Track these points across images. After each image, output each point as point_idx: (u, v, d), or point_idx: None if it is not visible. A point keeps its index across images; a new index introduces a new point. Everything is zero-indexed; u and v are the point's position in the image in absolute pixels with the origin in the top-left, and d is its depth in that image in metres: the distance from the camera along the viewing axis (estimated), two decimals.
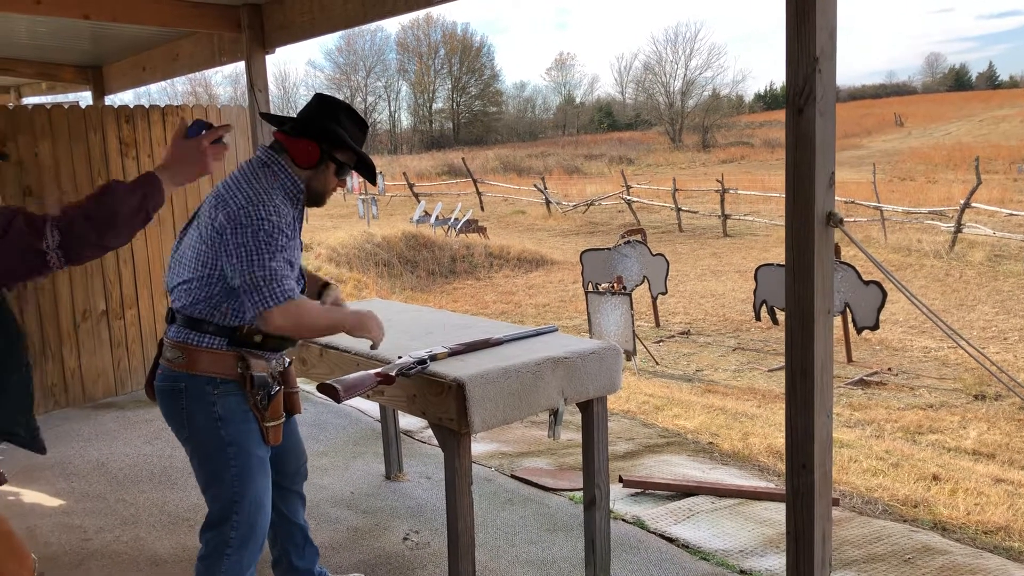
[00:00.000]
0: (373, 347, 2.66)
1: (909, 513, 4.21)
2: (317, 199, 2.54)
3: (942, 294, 14.05)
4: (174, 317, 2.44)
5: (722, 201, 22.72)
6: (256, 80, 5.23)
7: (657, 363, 10.40)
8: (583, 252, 11.78)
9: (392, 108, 69.20)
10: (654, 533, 3.67)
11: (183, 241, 2.46)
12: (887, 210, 19.64)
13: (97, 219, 1.99)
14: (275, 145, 2.47)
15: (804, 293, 2.38)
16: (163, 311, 6.24)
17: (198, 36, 5.80)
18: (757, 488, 4.20)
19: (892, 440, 6.82)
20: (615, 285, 10.40)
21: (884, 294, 8.59)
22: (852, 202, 20.42)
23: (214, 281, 2.34)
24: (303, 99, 64.85)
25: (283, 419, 2.50)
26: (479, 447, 4.83)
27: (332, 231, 20.29)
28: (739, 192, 24.21)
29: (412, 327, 3.49)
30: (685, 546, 3.54)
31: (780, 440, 5.30)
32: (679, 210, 23.77)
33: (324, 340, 3.31)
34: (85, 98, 8.50)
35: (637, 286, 11.21)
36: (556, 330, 3.30)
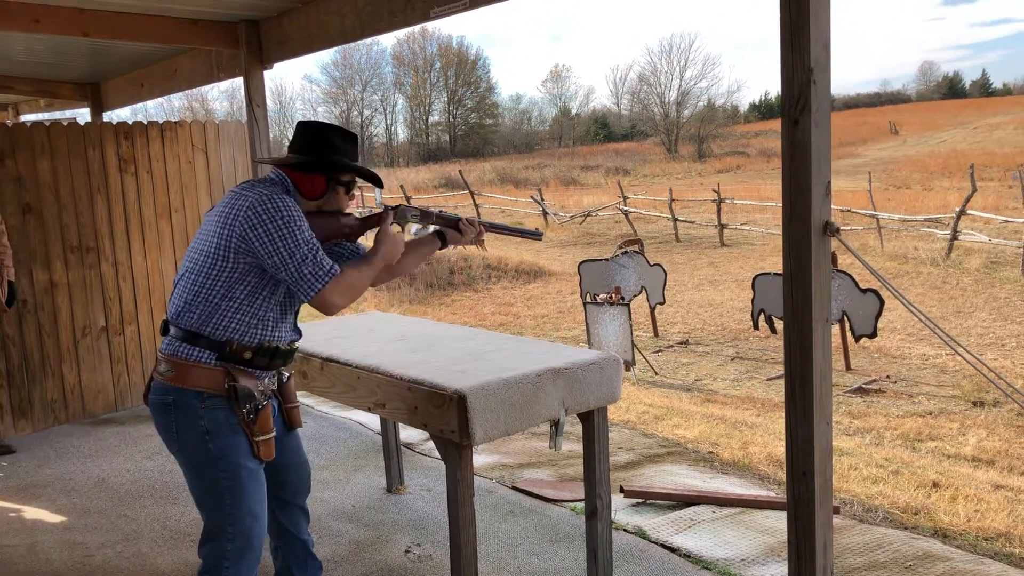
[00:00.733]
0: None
1: (910, 520, 4.22)
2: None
3: (939, 301, 14.08)
4: (167, 329, 2.45)
5: (718, 211, 22.78)
6: (254, 95, 5.25)
7: (656, 373, 10.41)
8: (581, 263, 11.80)
9: (388, 121, 69.41)
10: (656, 543, 3.68)
11: (187, 257, 2.48)
12: (883, 218, 19.69)
13: None
14: (281, 173, 2.52)
15: (802, 302, 2.40)
16: None
17: (196, 52, 5.83)
18: (758, 497, 4.20)
19: (892, 447, 6.83)
20: (613, 296, 10.42)
21: (881, 302, 8.61)
22: (848, 210, 20.48)
23: (215, 276, 2.35)
24: (299, 113, 65.09)
25: (273, 434, 2.49)
26: (480, 459, 4.84)
27: None
28: (735, 201, 24.28)
29: (414, 340, 3.51)
30: (687, 555, 3.55)
31: (780, 449, 5.31)
32: (676, 220, 23.82)
33: (326, 353, 3.33)
34: (83, 115, 8.53)
35: (635, 296, 11.23)
36: (541, 236, 3.31)
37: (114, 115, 7.59)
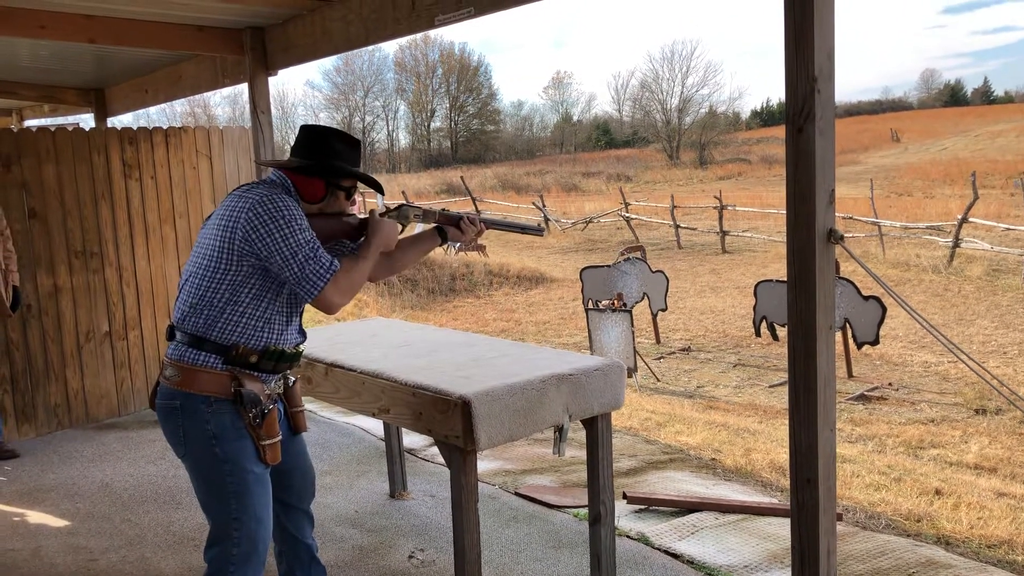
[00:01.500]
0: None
1: (912, 527, 4.22)
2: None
3: (941, 309, 14.08)
4: (173, 334, 2.47)
5: (720, 218, 22.80)
6: (259, 101, 5.27)
7: (658, 380, 10.42)
8: (583, 269, 11.81)
9: (390, 127, 69.48)
10: (659, 549, 3.68)
11: (190, 261, 2.49)
12: (885, 225, 19.70)
13: None
14: (283, 175, 2.54)
15: (806, 309, 2.41)
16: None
17: (200, 58, 5.85)
18: (760, 504, 4.21)
19: (894, 455, 6.83)
20: (615, 302, 10.43)
21: (884, 309, 8.61)
22: (850, 218, 20.49)
23: (219, 279, 2.36)
24: (301, 119, 65.19)
25: (279, 437, 2.50)
26: (483, 465, 4.85)
27: None
28: (737, 208, 24.29)
29: (418, 345, 3.52)
30: (690, 562, 3.55)
31: (782, 455, 5.32)
32: (677, 227, 23.83)
33: (330, 359, 3.34)
34: (86, 120, 8.56)
35: (637, 303, 11.23)
36: (543, 232, 3.33)
37: (116, 120, 7.59)
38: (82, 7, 4.45)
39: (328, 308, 2.37)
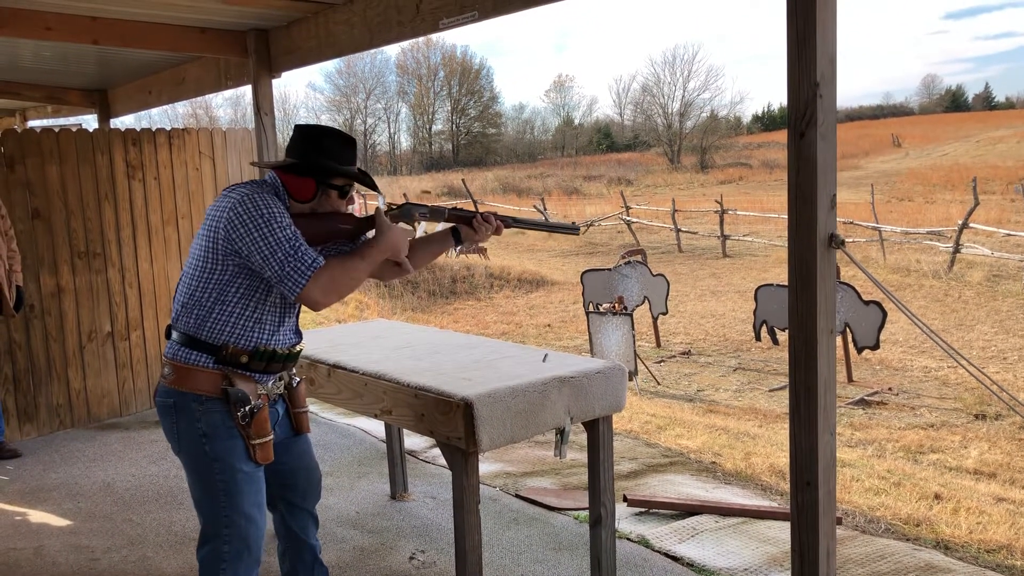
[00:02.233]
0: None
1: (912, 532, 4.23)
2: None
3: (941, 314, 14.09)
4: (170, 332, 2.49)
5: (721, 222, 22.83)
6: (262, 103, 5.29)
7: (659, 383, 10.43)
8: (584, 272, 11.82)
9: (392, 130, 69.56)
10: (659, 552, 3.69)
11: (187, 261, 2.51)
12: (886, 231, 19.73)
13: None
14: (273, 175, 2.52)
15: (807, 313, 2.42)
16: None
17: (204, 60, 5.88)
18: (760, 507, 4.22)
19: (894, 459, 6.84)
20: (616, 305, 10.44)
21: (884, 314, 8.63)
22: (851, 223, 20.51)
23: (207, 279, 2.37)
24: (303, 121, 65.14)
25: (270, 437, 2.50)
26: (484, 467, 4.85)
27: None
28: (738, 213, 24.31)
29: (420, 347, 3.54)
30: (690, 564, 3.56)
31: (782, 459, 5.33)
32: (678, 231, 23.86)
33: (332, 360, 3.35)
34: (88, 121, 8.59)
35: (638, 306, 11.24)
36: (578, 230, 3.20)
37: (119, 121, 7.62)
38: (87, 9, 4.47)
39: (312, 306, 2.34)
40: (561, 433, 3.01)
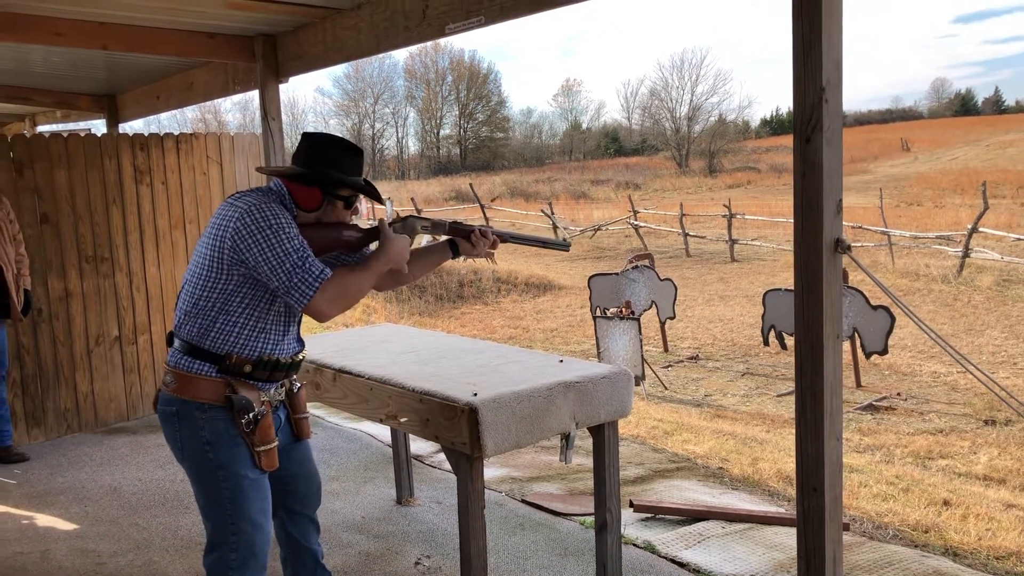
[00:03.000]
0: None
1: (920, 538, 4.21)
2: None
3: (950, 319, 14.03)
4: (172, 340, 2.47)
5: (729, 226, 22.78)
6: (270, 108, 5.31)
7: (666, 388, 10.40)
8: (591, 277, 11.81)
9: (399, 134, 69.71)
10: (665, 558, 3.68)
11: (188, 268, 2.49)
12: (894, 235, 19.65)
13: None
14: (279, 183, 2.52)
15: (813, 318, 2.41)
16: None
17: (212, 65, 5.89)
18: (767, 513, 4.20)
19: (902, 465, 6.81)
20: (623, 310, 10.42)
21: (892, 319, 8.59)
22: (859, 227, 20.45)
23: (211, 288, 2.35)
24: (311, 126, 65.37)
25: (275, 443, 2.49)
26: (489, 472, 4.85)
27: None
28: (746, 217, 24.27)
29: (425, 352, 3.53)
30: (696, 571, 3.55)
31: (789, 465, 5.30)
32: (686, 235, 23.83)
33: (338, 365, 3.35)
34: (97, 126, 8.62)
35: (645, 311, 11.23)
36: (568, 247, 3.23)
37: (128, 126, 7.65)
38: (96, 14, 4.49)
39: (319, 317, 2.33)
40: (566, 438, 3.01)
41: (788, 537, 3.87)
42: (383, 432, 5.54)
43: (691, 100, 61.31)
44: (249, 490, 2.44)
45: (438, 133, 68.53)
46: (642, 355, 9.65)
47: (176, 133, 6.38)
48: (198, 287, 2.38)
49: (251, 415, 2.41)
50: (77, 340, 5.86)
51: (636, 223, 26.21)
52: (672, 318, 11.52)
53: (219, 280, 2.35)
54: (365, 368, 3.26)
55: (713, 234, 24.08)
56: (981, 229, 17.70)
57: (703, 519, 4.11)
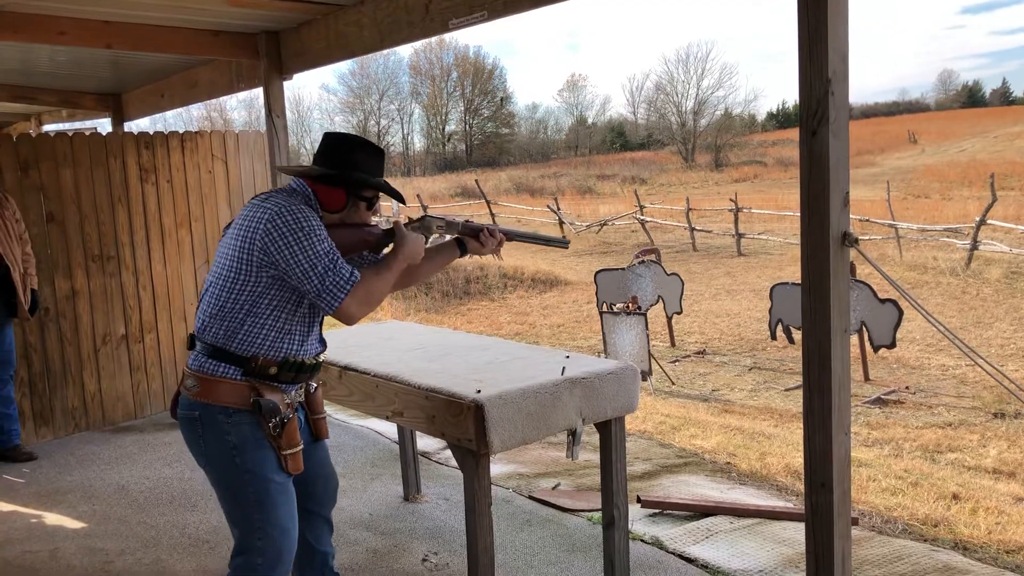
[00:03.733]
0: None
1: (929, 532, 4.19)
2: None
3: (959, 312, 13.97)
4: (193, 343, 2.45)
5: (736, 220, 22.72)
6: (274, 105, 5.30)
7: (673, 383, 10.38)
8: (597, 272, 11.78)
9: (405, 131, 69.68)
10: (673, 553, 3.67)
11: (211, 271, 2.46)
12: (902, 228, 19.57)
13: None
14: (303, 183, 2.50)
15: (820, 312, 2.40)
16: (182, 335, 6.31)
17: (216, 63, 5.89)
18: (776, 508, 4.18)
19: (911, 459, 6.78)
20: (630, 305, 10.40)
21: (900, 312, 8.55)
22: (867, 220, 20.37)
23: (238, 290, 2.33)
24: (317, 123, 65.41)
25: (301, 446, 2.47)
26: (496, 468, 4.84)
27: None
28: (752, 211, 24.19)
29: (431, 349, 3.53)
30: (704, 566, 3.54)
31: (797, 459, 5.28)
32: (693, 229, 23.77)
33: (344, 362, 3.35)
34: (102, 124, 8.63)
35: (652, 306, 11.19)
36: (568, 244, 3.22)
37: (133, 125, 7.66)
38: (100, 13, 4.49)
39: (348, 320, 2.33)
40: (573, 434, 3.00)
41: (797, 532, 3.85)
42: (390, 429, 5.54)
43: (697, 94, 61.15)
44: (277, 495, 2.42)
45: (443, 129, 68.51)
46: (649, 350, 9.63)
47: (181, 131, 6.38)
48: (224, 289, 2.35)
49: (278, 418, 2.39)
50: (84, 339, 5.86)
51: (642, 218, 26.16)
52: (679, 313, 11.49)
53: (247, 282, 2.32)
54: (371, 365, 3.25)
55: (720, 228, 24.01)
56: (989, 221, 17.60)
57: (711, 514, 4.10)
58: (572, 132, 72.38)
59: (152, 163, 6.16)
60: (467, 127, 68.34)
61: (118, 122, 7.51)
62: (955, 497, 4.97)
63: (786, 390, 9.85)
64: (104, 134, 6.05)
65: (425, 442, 5.16)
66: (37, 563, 3.80)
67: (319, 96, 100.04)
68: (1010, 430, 8.01)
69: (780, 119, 73.72)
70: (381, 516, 4.20)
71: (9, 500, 4.64)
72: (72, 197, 5.76)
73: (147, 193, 6.14)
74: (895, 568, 3.54)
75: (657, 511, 4.17)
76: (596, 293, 11.54)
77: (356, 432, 5.66)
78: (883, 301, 8.68)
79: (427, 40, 67.24)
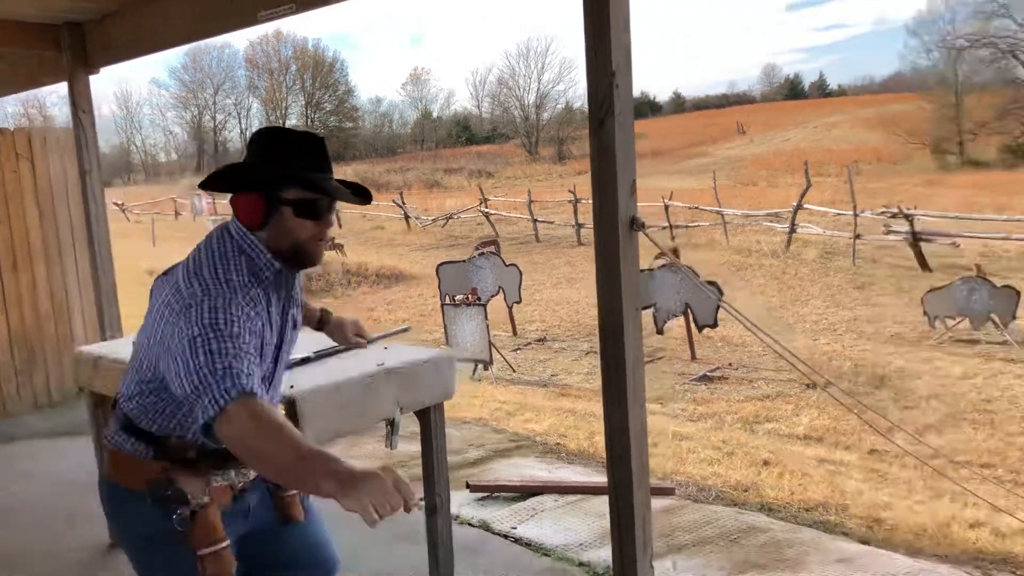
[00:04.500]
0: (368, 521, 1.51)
1: (740, 497, 4.49)
2: (298, 256, 1.93)
3: (779, 291, 14.91)
4: (115, 406, 2.04)
5: (575, 211, 23.34)
6: (80, 101, 5.04)
7: (514, 370, 10.59)
8: (439, 265, 11.88)
9: (243, 126, 67.52)
10: (498, 534, 3.78)
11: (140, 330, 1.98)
12: (728, 214, 20.67)
13: None
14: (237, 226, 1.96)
15: (612, 294, 2.54)
16: None
17: (15, 55, 5.54)
18: (597, 483, 4.37)
19: (731, 430, 7.21)
20: (470, 296, 10.54)
21: (721, 293, 9.06)
22: (696, 207, 21.39)
23: (149, 363, 1.89)
24: (147, 119, 62.48)
25: (225, 543, 1.96)
26: None
27: (182, 254, 19.58)
28: (591, 202, 24.86)
29: None
30: (528, 544, 3.66)
31: None
32: (535, 221, 24.25)
33: None
34: None
35: (493, 296, 11.39)
36: (409, 329, 3.30)
37: None
38: None
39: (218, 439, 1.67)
40: (391, 424, 3.03)
41: None
42: None
43: (538, 88, 62.39)
44: None
45: (284, 123, 66.74)
46: (490, 340, 9.78)
47: None
48: (137, 359, 1.96)
49: (186, 509, 1.91)
50: None
51: (487, 211, 26.46)
52: (518, 302, 11.73)
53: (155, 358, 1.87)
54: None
55: (561, 219, 24.59)
56: (806, 206, 18.87)
57: (537, 494, 4.23)
58: (417, 126, 72.24)
59: None
60: (309, 121, 66.90)
61: None
62: (765, 463, 5.35)
63: None
64: None
65: None
66: None
67: (149, 91, 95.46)
68: (821, 399, 8.64)
69: None
70: None
71: None
72: None
73: None
74: (704, 532, 3.78)
75: (486, 495, 4.27)
76: (438, 286, 11.63)
77: None
78: (706, 284, 9.18)
79: (262, 33, 65.20)
